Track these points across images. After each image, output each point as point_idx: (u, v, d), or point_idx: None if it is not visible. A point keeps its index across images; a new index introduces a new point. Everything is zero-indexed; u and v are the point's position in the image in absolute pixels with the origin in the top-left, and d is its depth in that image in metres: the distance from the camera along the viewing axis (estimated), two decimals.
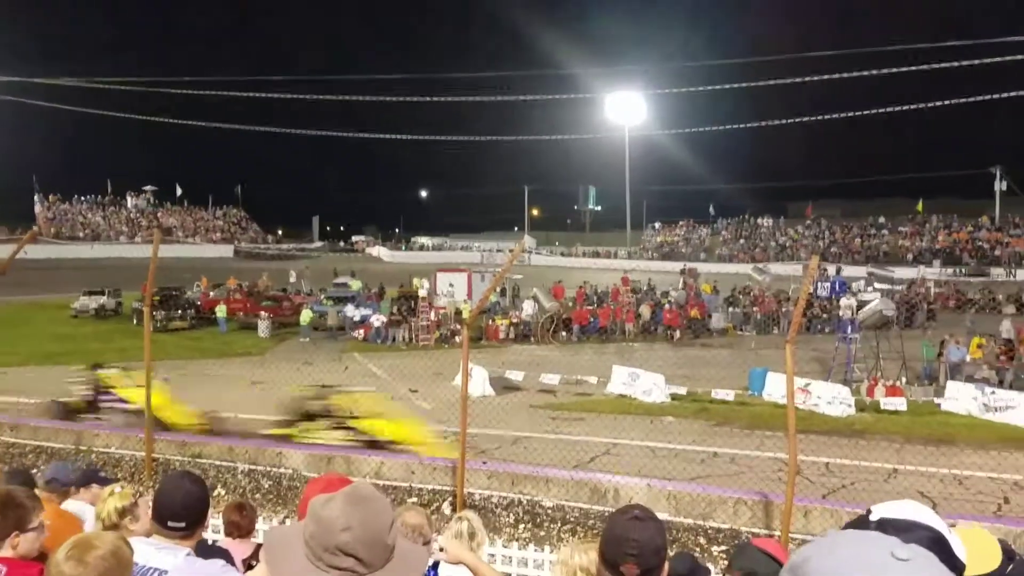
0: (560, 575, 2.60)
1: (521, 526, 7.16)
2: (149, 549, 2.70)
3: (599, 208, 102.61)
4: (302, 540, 1.50)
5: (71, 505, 4.66)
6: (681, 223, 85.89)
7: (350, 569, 1.45)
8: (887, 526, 1.39)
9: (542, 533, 6.98)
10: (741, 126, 54.68)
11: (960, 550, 1.41)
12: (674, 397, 16.77)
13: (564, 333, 28.99)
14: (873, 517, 1.46)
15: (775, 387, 16.62)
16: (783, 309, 31.50)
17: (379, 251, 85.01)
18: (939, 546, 1.33)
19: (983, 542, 1.77)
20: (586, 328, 29.27)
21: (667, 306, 31.81)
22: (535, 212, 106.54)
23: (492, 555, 5.92)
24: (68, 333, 27.92)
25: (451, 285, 34.24)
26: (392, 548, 1.52)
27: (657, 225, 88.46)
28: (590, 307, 31.75)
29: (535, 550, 6.16)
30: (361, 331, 28.62)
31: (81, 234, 74.77)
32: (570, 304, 32.49)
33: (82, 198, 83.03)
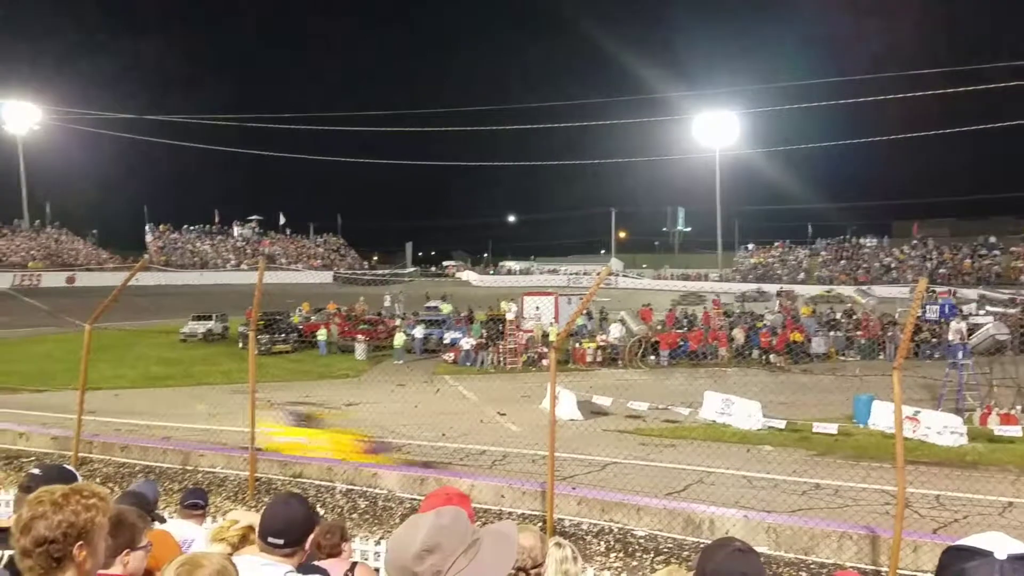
0: None
1: (612, 555, 7.10)
2: (253, 565, 2.83)
3: (688, 229, 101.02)
4: None
5: (176, 525, 4.94)
6: (776, 244, 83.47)
7: None
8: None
9: (634, 563, 6.90)
10: (840, 143, 52.83)
11: None
12: (772, 425, 16.24)
13: (653, 357, 28.58)
14: (1000, 555, 1.38)
15: (881, 416, 15.89)
16: (888, 333, 30.14)
17: (468, 275, 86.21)
18: None
19: None
20: (676, 352, 28.77)
21: (762, 329, 30.95)
22: (622, 234, 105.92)
23: None
24: (176, 357, 29.38)
25: (537, 308, 34.37)
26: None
27: (750, 246, 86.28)
28: (680, 330, 31.20)
29: None
30: (451, 354, 29.08)
31: (190, 262, 78.91)
32: (659, 327, 32.05)
33: (191, 228, 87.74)
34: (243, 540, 3.53)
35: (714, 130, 77.47)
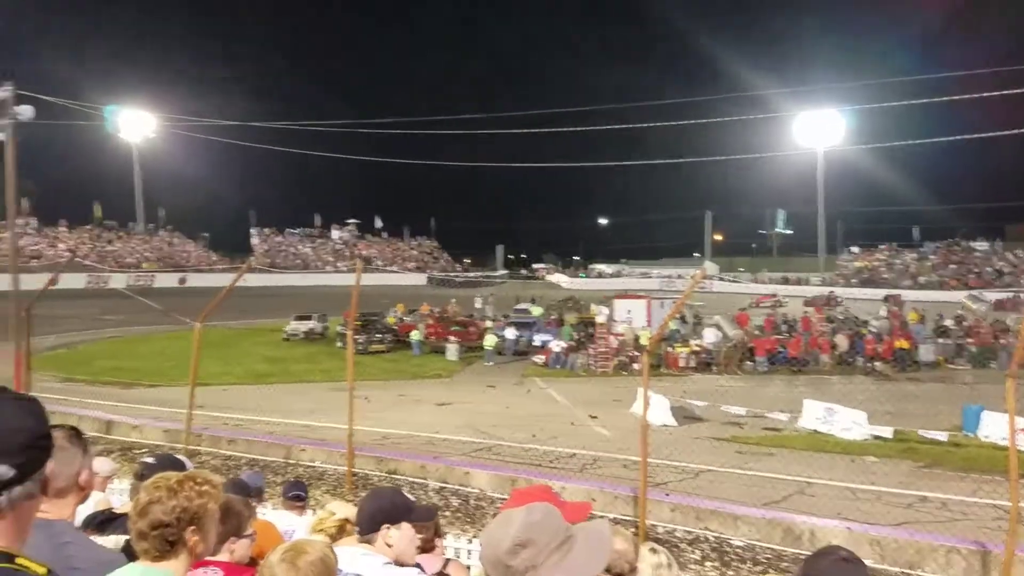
0: None
1: (708, 563, 6.92)
2: (352, 555, 2.90)
3: (789, 232, 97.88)
4: None
5: (279, 516, 5.11)
6: (882, 247, 79.77)
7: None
8: None
9: (730, 572, 6.71)
10: (949, 139, 50.05)
11: None
12: (877, 435, 15.55)
13: (749, 363, 27.78)
14: None
15: (993, 427, 14.95)
16: (1001, 341, 28.32)
17: (558, 278, 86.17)
18: None
19: None
20: (774, 358, 27.87)
21: (867, 336, 29.63)
22: (717, 237, 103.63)
23: None
24: (279, 355, 30.54)
25: (629, 312, 33.98)
26: (521, 573, 1.52)
27: (855, 249, 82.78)
28: (779, 336, 30.24)
29: None
30: (541, 356, 29.11)
31: (292, 264, 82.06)
32: (756, 332, 31.14)
33: (293, 231, 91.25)
34: (340, 531, 3.63)
35: (816, 128, 74.76)
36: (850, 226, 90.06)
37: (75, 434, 2.43)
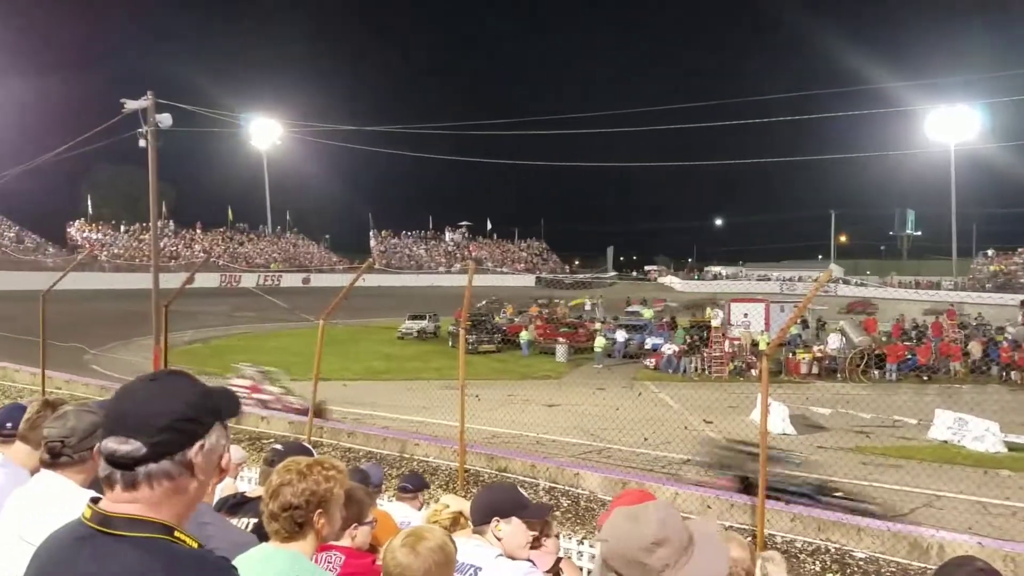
0: None
1: (828, 575, 6.63)
2: (468, 547, 2.96)
3: (919, 233, 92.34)
4: None
5: (396, 507, 5.26)
6: (1020, 249, 73.94)
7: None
8: None
9: None
10: None
11: None
12: (1011, 447, 14.47)
13: (876, 371, 26.38)
14: None
15: None
16: None
17: (671, 280, 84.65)
18: None
19: None
20: (902, 366, 26.35)
21: (1002, 343, 27.57)
22: (842, 238, 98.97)
23: None
24: (394, 353, 31.50)
25: (746, 315, 32.97)
26: (658, 571, 1.51)
27: (990, 252, 77.11)
28: (908, 343, 28.55)
29: None
30: (652, 360, 28.65)
31: (407, 265, 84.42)
32: (883, 339, 29.55)
33: (408, 233, 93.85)
34: (454, 524, 3.71)
35: (949, 124, 70.15)
36: (985, 228, 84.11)
37: None
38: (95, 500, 1.53)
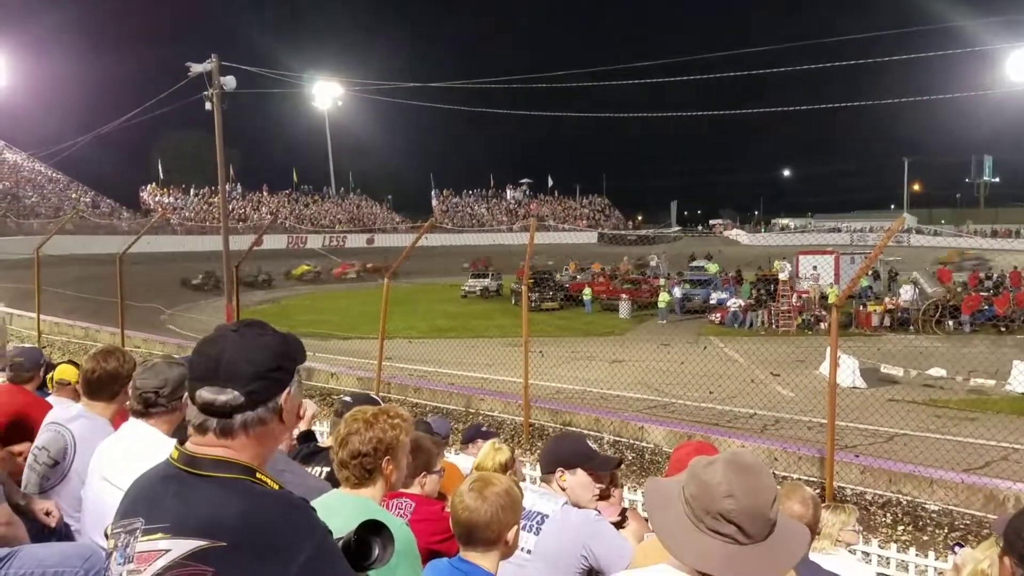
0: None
1: (900, 527, 6.55)
2: (535, 495, 3.03)
3: (997, 180, 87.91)
4: (680, 497, 1.57)
5: (459, 458, 5.39)
6: None
7: (731, 536, 1.45)
8: None
9: (925, 538, 6.32)
10: None
11: None
12: None
13: (950, 322, 25.46)
14: None
15: None
16: None
17: (737, 234, 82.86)
18: None
19: None
20: (978, 316, 25.35)
21: None
22: (915, 187, 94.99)
23: (867, 554, 5.50)
24: (457, 311, 31.84)
25: (815, 268, 32.17)
26: (774, 523, 1.49)
27: None
28: (984, 293, 27.42)
29: (916, 554, 5.58)
30: (718, 315, 28.29)
31: (468, 224, 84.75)
32: (959, 290, 28.46)
33: (469, 192, 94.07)
34: (502, 472, 3.82)
35: None
36: None
37: None
38: (182, 443, 1.63)
